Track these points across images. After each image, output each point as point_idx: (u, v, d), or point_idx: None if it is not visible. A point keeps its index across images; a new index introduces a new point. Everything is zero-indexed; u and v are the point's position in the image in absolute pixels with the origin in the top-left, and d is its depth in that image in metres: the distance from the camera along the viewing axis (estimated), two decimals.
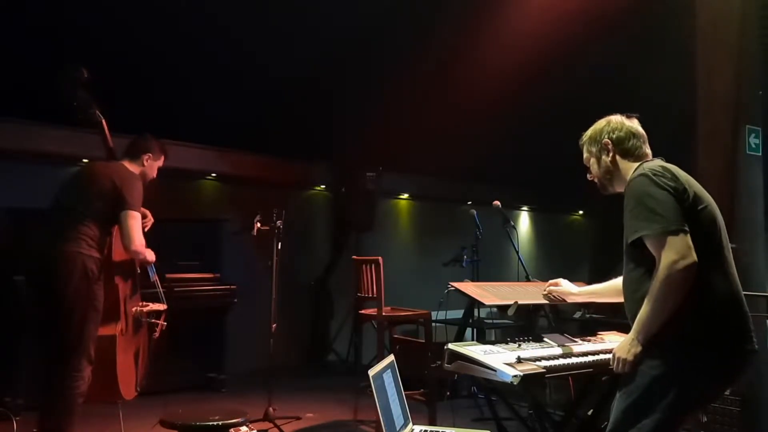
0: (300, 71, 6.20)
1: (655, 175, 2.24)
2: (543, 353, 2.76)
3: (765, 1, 4.39)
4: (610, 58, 6.31)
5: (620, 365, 2.26)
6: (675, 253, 2.10)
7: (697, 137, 4.40)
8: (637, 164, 2.41)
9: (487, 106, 6.59)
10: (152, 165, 3.77)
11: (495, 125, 6.90)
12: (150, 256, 3.72)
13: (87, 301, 3.34)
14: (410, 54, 6.24)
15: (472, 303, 3.51)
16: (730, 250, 2.32)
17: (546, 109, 6.77)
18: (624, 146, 2.46)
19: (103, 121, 3.73)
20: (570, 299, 3.12)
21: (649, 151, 2.48)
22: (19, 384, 4.63)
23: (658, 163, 2.36)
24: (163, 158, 3.86)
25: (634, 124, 2.50)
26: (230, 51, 5.84)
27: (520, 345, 2.84)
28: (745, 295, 2.32)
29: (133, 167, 3.68)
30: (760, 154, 4.39)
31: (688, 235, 2.13)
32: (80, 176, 3.65)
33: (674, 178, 2.24)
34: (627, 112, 2.56)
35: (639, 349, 2.21)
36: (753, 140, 4.33)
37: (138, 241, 3.50)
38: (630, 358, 2.23)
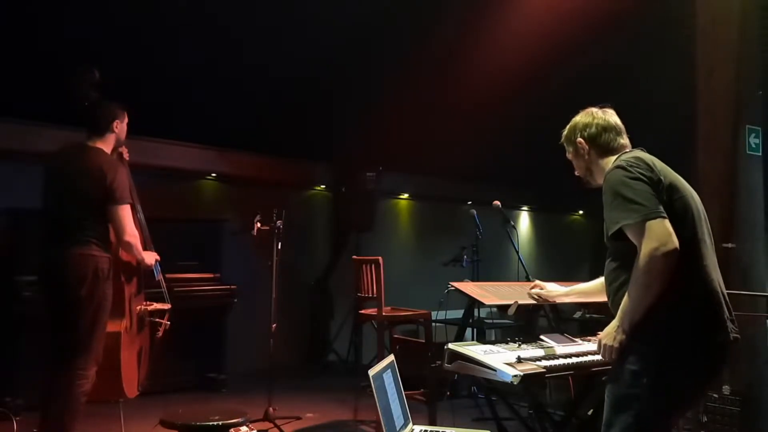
0: (300, 71, 6.20)
1: (629, 165, 2.25)
2: (543, 353, 2.76)
3: (765, 1, 4.39)
4: (610, 57, 6.31)
5: (606, 352, 2.26)
6: (655, 240, 2.10)
7: (697, 137, 4.40)
8: (614, 157, 2.41)
9: (487, 106, 6.59)
10: (122, 127, 3.68)
11: (495, 125, 6.89)
12: (149, 256, 3.72)
13: (99, 302, 3.37)
14: (410, 54, 6.24)
15: (472, 303, 3.52)
16: (709, 243, 2.32)
17: (546, 108, 6.76)
18: (597, 142, 2.47)
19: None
20: (559, 300, 3.12)
21: (625, 141, 2.48)
22: (19, 384, 4.63)
23: (634, 153, 2.36)
24: (126, 115, 3.71)
25: (608, 116, 2.50)
26: (230, 51, 5.84)
27: (520, 345, 2.84)
28: (744, 295, 2.32)
29: (106, 145, 3.58)
30: (760, 154, 4.39)
31: (667, 220, 2.13)
32: (66, 180, 3.49)
33: (649, 168, 2.25)
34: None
35: (623, 336, 2.21)
36: (753, 140, 4.33)
37: (129, 230, 3.48)
38: (615, 345, 2.23)
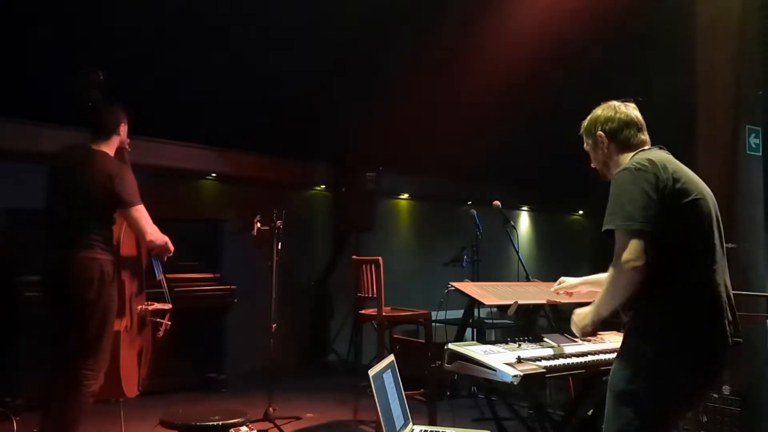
0: (300, 71, 6.20)
1: (637, 170, 2.22)
2: (543, 353, 2.76)
3: (765, 1, 4.39)
4: (610, 57, 6.31)
5: (576, 329, 2.46)
6: (628, 252, 2.13)
7: (697, 137, 4.40)
8: (632, 154, 2.39)
9: (487, 106, 6.59)
10: (125, 129, 3.69)
11: (495, 125, 6.90)
12: (169, 243, 3.71)
13: (106, 304, 3.38)
14: (410, 54, 6.24)
15: (472, 303, 3.51)
16: (720, 246, 2.30)
17: (546, 108, 6.77)
18: (618, 137, 2.44)
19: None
20: (576, 290, 3.11)
21: (645, 137, 2.45)
22: (19, 384, 4.63)
23: (647, 154, 2.32)
24: (126, 117, 3.72)
25: (629, 111, 2.47)
26: (230, 50, 5.84)
27: (520, 345, 2.84)
28: (744, 295, 2.32)
29: (110, 147, 3.58)
30: (760, 154, 4.39)
31: (647, 238, 2.13)
32: (71, 182, 3.48)
33: (658, 171, 2.21)
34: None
35: (592, 327, 2.40)
36: (753, 140, 4.33)
37: (149, 230, 3.51)
38: (579, 333, 2.48)
